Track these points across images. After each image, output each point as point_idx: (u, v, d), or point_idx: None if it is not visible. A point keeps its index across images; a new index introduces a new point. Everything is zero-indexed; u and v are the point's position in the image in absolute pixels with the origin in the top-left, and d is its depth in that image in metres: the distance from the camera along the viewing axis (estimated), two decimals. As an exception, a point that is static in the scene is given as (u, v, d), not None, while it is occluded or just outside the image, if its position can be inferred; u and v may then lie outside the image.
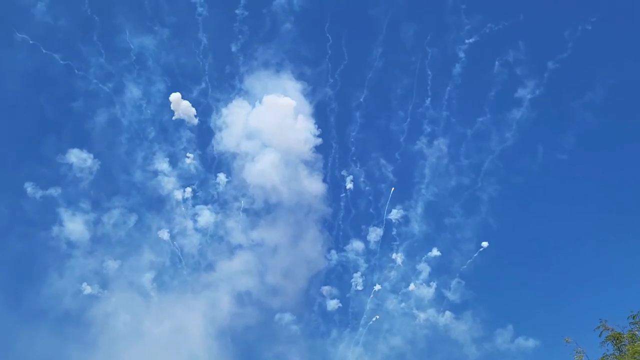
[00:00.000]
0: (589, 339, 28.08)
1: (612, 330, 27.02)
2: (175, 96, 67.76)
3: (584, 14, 71.43)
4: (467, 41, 70.15)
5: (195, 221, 70.39)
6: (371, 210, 72.62)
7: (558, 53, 69.88)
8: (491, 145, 71.52)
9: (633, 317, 27.03)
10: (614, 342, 26.86)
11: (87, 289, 66.50)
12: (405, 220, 71.92)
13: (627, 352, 25.89)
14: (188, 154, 70.50)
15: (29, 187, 67.17)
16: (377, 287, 70.30)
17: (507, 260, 75.62)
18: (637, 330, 26.60)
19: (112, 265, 68.14)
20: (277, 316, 70.61)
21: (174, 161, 70.96)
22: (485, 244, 69.28)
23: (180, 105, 68.25)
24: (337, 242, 72.90)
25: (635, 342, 26.21)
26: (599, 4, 74.22)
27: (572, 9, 74.77)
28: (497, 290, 74.92)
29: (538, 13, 74.93)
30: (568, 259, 73.39)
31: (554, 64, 69.25)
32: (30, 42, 65.65)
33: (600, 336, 27.18)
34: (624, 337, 26.68)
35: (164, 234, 69.43)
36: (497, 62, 71.67)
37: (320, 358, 70.70)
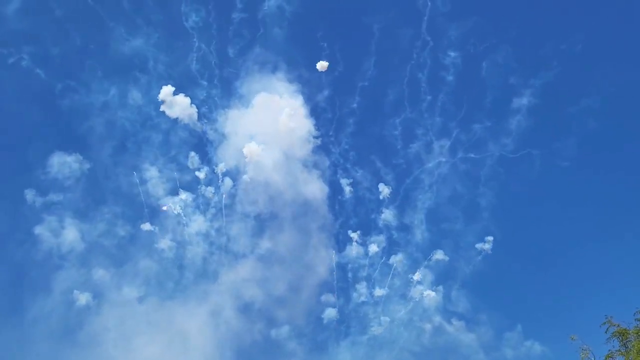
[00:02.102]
0: (595, 338, 27.99)
1: (618, 326, 26.69)
2: (166, 90, 67.06)
3: (574, 30, 71.99)
4: (462, 50, 70.39)
5: (192, 228, 69.82)
6: (372, 216, 72.10)
7: (556, 57, 70.30)
8: (490, 151, 71.25)
9: None
10: (620, 338, 26.55)
11: (81, 300, 65.17)
12: (406, 226, 71.36)
13: (633, 348, 25.46)
14: (188, 160, 70.06)
15: (28, 194, 66.53)
16: (379, 293, 69.51)
17: (510, 264, 74.60)
18: (643, 326, 26.18)
19: (106, 274, 67.06)
20: (276, 326, 69.44)
21: (173, 167, 70.42)
22: (489, 239, 69.03)
23: (176, 104, 67.75)
24: (338, 249, 72.27)
25: (641, 337, 25.73)
26: (589, 20, 74.65)
27: (565, 24, 75.20)
28: (501, 295, 73.93)
29: (531, 24, 75.16)
30: (572, 261, 72.49)
31: (548, 73, 69.67)
32: (23, 63, 66.15)
33: (606, 332, 26.96)
34: (629, 333, 26.32)
35: (163, 242, 68.78)
36: (493, 70, 71.67)
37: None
